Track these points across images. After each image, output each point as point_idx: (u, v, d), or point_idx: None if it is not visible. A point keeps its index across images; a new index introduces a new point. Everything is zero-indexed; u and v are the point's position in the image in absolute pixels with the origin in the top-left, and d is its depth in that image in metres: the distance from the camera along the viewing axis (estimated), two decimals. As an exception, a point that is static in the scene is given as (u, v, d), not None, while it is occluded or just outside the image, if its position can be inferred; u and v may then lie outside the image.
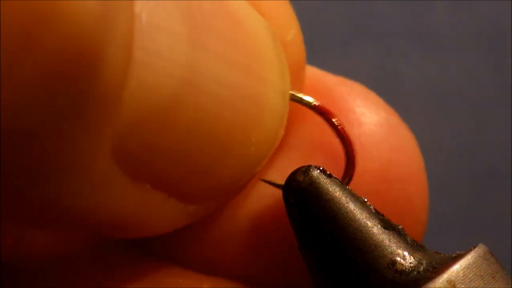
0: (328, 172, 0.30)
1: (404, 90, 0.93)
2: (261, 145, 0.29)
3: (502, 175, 0.91)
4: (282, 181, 0.31)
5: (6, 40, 0.20)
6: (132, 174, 0.26)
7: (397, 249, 0.29)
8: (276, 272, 0.32)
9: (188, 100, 0.25)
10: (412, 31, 0.94)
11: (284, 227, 0.30)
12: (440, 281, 0.28)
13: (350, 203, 0.29)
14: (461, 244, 0.32)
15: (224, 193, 0.30)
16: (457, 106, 0.93)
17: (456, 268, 0.28)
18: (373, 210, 0.29)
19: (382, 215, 0.29)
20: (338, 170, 0.31)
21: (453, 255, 0.29)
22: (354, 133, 0.32)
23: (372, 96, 0.34)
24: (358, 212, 0.29)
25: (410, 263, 0.28)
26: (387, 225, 0.29)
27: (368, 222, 0.29)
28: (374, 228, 0.29)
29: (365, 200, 0.30)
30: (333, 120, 0.31)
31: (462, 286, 0.28)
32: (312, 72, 0.33)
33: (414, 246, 0.29)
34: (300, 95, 0.31)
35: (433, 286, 0.28)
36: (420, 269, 0.28)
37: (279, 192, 0.30)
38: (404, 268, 0.28)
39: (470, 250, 0.29)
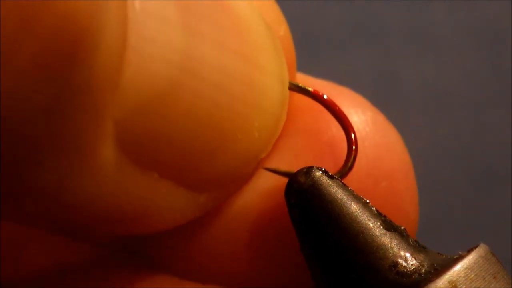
0: (330, 173, 0.30)
1: (403, 90, 0.93)
2: (264, 130, 0.29)
3: (501, 175, 0.91)
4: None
5: (3, 27, 0.20)
6: (139, 162, 0.26)
7: (399, 250, 0.29)
8: (277, 273, 0.32)
9: (185, 86, 0.26)
10: (410, 31, 0.94)
11: (286, 228, 0.30)
12: (442, 281, 0.28)
13: (352, 204, 0.29)
14: (461, 244, 0.32)
15: (232, 180, 0.30)
16: (455, 106, 0.93)
17: (458, 268, 0.28)
18: (375, 212, 0.29)
19: (384, 216, 0.29)
20: (337, 160, 0.31)
21: (455, 256, 0.29)
22: (340, 131, 0.32)
23: (359, 98, 0.34)
24: (360, 214, 0.29)
25: (412, 264, 0.28)
26: (389, 226, 0.29)
27: (370, 223, 0.29)
28: (376, 230, 0.29)
29: (367, 201, 0.30)
30: (332, 105, 0.31)
31: (464, 287, 0.28)
32: (299, 77, 0.34)
33: (416, 247, 0.29)
34: (296, 83, 0.32)
35: (434, 287, 0.28)
36: (421, 271, 0.28)
37: (280, 193, 0.30)
38: (405, 270, 0.28)
39: (472, 250, 0.29)
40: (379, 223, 0.29)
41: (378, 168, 0.32)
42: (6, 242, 0.32)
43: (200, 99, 0.26)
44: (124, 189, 0.26)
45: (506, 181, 0.89)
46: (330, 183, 0.30)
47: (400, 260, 0.28)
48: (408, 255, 0.29)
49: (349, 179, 0.31)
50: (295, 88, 0.32)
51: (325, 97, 0.32)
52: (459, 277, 0.28)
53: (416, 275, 0.28)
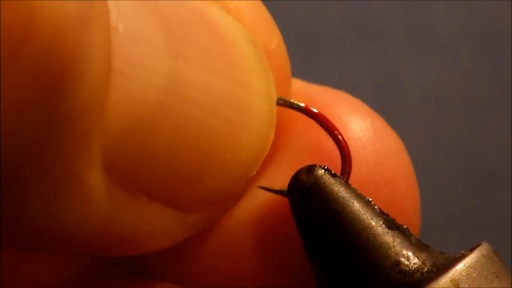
0: (332, 172, 0.30)
1: (403, 90, 0.93)
2: (251, 150, 0.29)
3: (501, 175, 0.91)
4: (280, 186, 0.31)
5: None
6: (127, 187, 0.26)
7: (401, 249, 0.29)
8: (280, 271, 0.32)
9: (172, 109, 0.25)
10: (410, 31, 0.94)
11: (289, 226, 0.30)
12: (444, 280, 0.28)
13: (354, 202, 0.29)
14: (461, 245, 0.32)
15: (222, 200, 0.30)
16: (455, 106, 0.93)
17: (460, 267, 0.28)
18: (378, 210, 0.29)
19: (387, 215, 0.29)
20: (334, 170, 0.31)
21: (458, 255, 0.29)
22: None
23: (357, 102, 0.34)
24: (363, 212, 0.29)
25: (414, 263, 0.28)
26: (392, 225, 0.29)
27: (372, 222, 0.29)
28: (379, 228, 0.29)
29: (370, 199, 0.30)
30: (323, 120, 0.31)
31: (466, 286, 0.28)
32: (296, 84, 0.34)
33: (418, 246, 0.29)
34: (287, 99, 0.31)
35: (436, 286, 0.28)
36: (424, 270, 0.28)
37: (278, 203, 0.31)
38: (408, 269, 0.28)
39: (474, 248, 0.29)
40: (381, 222, 0.29)
41: (380, 174, 0.32)
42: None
43: (187, 122, 0.26)
44: (114, 215, 0.26)
45: (506, 181, 0.89)
46: (333, 181, 0.30)
47: (402, 259, 0.28)
48: (410, 253, 0.28)
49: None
50: (286, 103, 0.31)
51: (316, 111, 0.31)
52: (462, 275, 0.28)
53: (419, 274, 0.28)
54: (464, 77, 0.93)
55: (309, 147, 0.32)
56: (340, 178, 0.30)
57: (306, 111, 0.32)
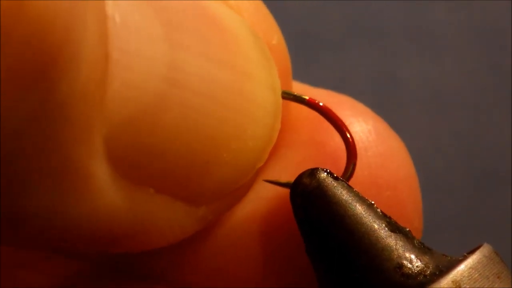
0: (335, 175, 0.30)
1: (403, 90, 0.93)
2: (257, 139, 0.29)
3: (501, 175, 0.91)
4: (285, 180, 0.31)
5: None
6: (133, 178, 0.26)
7: (404, 252, 0.29)
8: (283, 271, 0.32)
9: (174, 98, 0.26)
10: (410, 30, 0.94)
11: (291, 229, 0.30)
12: (445, 281, 0.28)
13: (357, 205, 0.29)
14: (461, 245, 0.32)
15: (230, 191, 0.30)
16: (455, 106, 0.93)
17: (461, 268, 0.28)
18: (380, 213, 0.29)
19: (389, 217, 0.29)
20: (339, 171, 0.31)
21: (461, 258, 0.29)
22: (343, 144, 0.32)
23: (360, 106, 0.34)
24: (365, 215, 0.29)
25: (417, 266, 0.28)
26: (394, 228, 0.29)
27: (375, 225, 0.29)
28: (381, 231, 0.29)
29: (372, 202, 0.30)
30: (328, 112, 0.31)
31: (467, 286, 0.28)
32: (297, 86, 0.33)
33: (421, 249, 0.29)
34: (291, 92, 0.31)
35: (438, 287, 0.28)
36: (427, 273, 0.28)
37: (284, 194, 0.30)
38: (410, 272, 0.28)
39: (476, 249, 0.29)
40: (384, 225, 0.29)
41: (382, 177, 0.32)
42: None
43: (189, 110, 0.26)
44: (120, 207, 0.26)
45: (506, 181, 0.89)
46: (335, 184, 0.30)
47: (405, 262, 0.28)
48: (413, 256, 0.28)
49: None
50: (290, 97, 0.31)
51: (321, 104, 0.31)
52: (463, 276, 0.28)
53: (421, 277, 0.28)
54: (464, 77, 0.93)
55: (312, 146, 0.32)
56: (343, 181, 0.30)
57: (310, 104, 0.31)
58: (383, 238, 0.29)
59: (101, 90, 0.23)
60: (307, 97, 0.31)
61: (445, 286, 0.28)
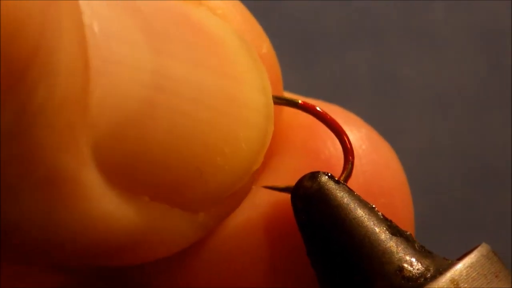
0: (336, 178, 0.30)
1: (403, 90, 0.93)
2: (251, 142, 0.28)
3: (501, 175, 0.91)
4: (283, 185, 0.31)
5: None
6: (126, 187, 0.25)
7: (404, 255, 0.29)
8: (284, 277, 0.32)
9: (162, 104, 0.25)
10: (410, 30, 0.94)
11: (290, 234, 0.30)
12: (443, 280, 0.28)
13: (358, 209, 0.29)
14: (461, 245, 0.32)
15: (227, 196, 0.29)
16: (455, 106, 0.93)
17: (459, 267, 0.28)
18: (381, 216, 0.29)
19: (390, 221, 0.30)
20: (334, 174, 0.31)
21: (459, 258, 0.29)
22: (337, 150, 0.32)
23: (352, 115, 0.34)
24: (366, 218, 0.29)
25: (418, 269, 0.28)
26: (395, 231, 0.29)
27: (376, 228, 0.29)
28: (382, 235, 0.29)
29: (373, 206, 0.30)
30: (321, 114, 0.31)
31: (466, 285, 0.28)
32: (288, 96, 0.33)
33: (422, 252, 0.29)
34: (283, 96, 0.31)
35: (436, 286, 0.28)
36: (427, 276, 0.28)
37: (281, 200, 0.31)
38: (411, 275, 0.28)
39: (474, 249, 0.29)
40: (385, 228, 0.29)
41: (376, 185, 0.32)
42: None
43: (178, 116, 0.26)
44: (115, 217, 0.25)
45: (506, 181, 0.89)
46: (336, 187, 0.30)
47: (406, 265, 0.28)
48: (414, 260, 0.29)
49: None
50: (283, 101, 0.31)
51: (318, 109, 0.31)
52: (461, 276, 0.28)
53: (422, 280, 0.28)
54: (464, 77, 0.93)
55: (306, 154, 0.32)
56: (344, 184, 0.30)
57: (303, 107, 0.31)
58: (384, 241, 0.29)
59: (83, 98, 0.23)
60: (299, 101, 0.31)
61: (444, 285, 0.28)
